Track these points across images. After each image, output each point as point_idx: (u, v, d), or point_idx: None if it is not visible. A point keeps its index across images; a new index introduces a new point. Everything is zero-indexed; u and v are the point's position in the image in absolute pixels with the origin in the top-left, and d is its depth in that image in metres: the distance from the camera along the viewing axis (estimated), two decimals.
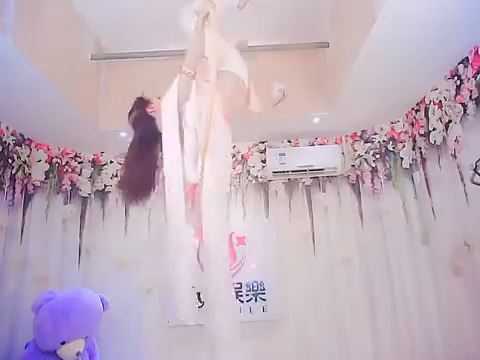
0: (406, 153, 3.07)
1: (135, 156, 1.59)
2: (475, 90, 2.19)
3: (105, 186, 3.36)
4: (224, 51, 1.65)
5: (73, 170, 3.30)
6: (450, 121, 2.45)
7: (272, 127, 3.10)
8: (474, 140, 2.23)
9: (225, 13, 1.63)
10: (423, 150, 2.84)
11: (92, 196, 3.33)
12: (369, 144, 3.25)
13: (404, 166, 3.07)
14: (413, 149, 3.01)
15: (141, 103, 1.64)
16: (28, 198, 3.01)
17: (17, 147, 2.87)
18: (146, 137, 1.57)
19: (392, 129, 3.17)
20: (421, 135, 2.85)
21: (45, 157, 3.15)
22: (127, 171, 1.61)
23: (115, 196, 3.33)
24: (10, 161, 2.79)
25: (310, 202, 3.30)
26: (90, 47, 2.82)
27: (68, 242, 3.14)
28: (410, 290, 2.87)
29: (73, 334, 2.31)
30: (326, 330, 2.97)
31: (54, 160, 3.21)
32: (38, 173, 3.09)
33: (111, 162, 3.40)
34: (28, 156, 3.03)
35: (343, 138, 3.38)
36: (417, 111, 2.89)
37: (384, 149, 3.19)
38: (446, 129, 2.51)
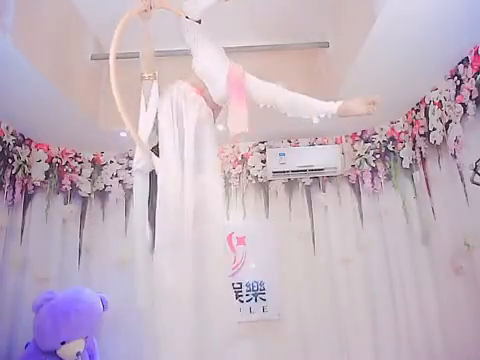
0: (406, 153, 3.08)
1: None
2: (475, 90, 2.19)
3: (105, 186, 3.36)
4: (208, 52, 1.66)
5: (73, 170, 3.30)
6: (450, 121, 2.45)
7: (272, 127, 3.10)
8: (474, 140, 2.23)
9: (214, 9, 1.64)
10: (423, 150, 2.84)
11: (92, 196, 3.33)
12: (369, 144, 3.25)
13: (404, 166, 3.08)
14: (413, 149, 3.01)
15: None
16: (28, 198, 3.01)
17: (17, 147, 2.87)
18: None
19: (392, 129, 3.17)
20: (421, 135, 2.85)
21: (45, 157, 3.15)
22: None
23: (115, 196, 3.34)
24: (10, 161, 2.79)
25: (310, 202, 3.30)
26: (90, 47, 2.82)
27: (68, 242, 3.14)
28: (410, 290, 2.87)
29: (73, 334, 2.31)
30: (326, 330, 2.97)
31: (54, 160, 3.21)
32: (38, 173, 3.10)
33: (111, 162, 3.40)
34: (28, 156, 3.03)
35: (343, 138, 3.38)
36: (417, 111, 2.89)
37: (384, 149, 3.19)
38: (446, 129, 2.51)
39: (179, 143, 1.50)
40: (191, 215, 1.44)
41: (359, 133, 3.31)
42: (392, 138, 3.16)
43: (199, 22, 1.68)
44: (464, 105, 2.30)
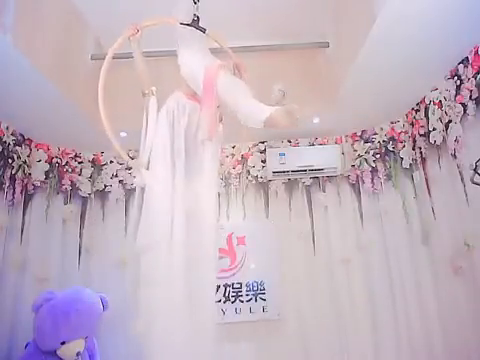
0: (406, 153, 3.07)
1: None
2: (475, 90, 2.19)
3: (105, 186, 3.36)
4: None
5: (73, 170, 3.30)
6: (450, 121, 2.45)
7: None
8: (474, 140, 2.23)
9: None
10: (423, 150, 2.84)
11: (92, 196, 3.32)
12: (369, 144, 3.25)
13: (404, 166, 3.07)
14: (413, 149, 3.01)
15: None
16: (28, 198, 3.01)
17: (17, 147, 2.87)
18: None
19: (392, 129, 3.17)
20: (421, 135, 2.85)
21: (45, 157, 3.15)
22: None
23: (115, 196, 3.34)
24: (10, 161, 2.79)
25: (310, 202, 3.29)
26: (90, 47, 2.82)
27: (68, 242, 3.14)
28: (410, 290, 2.87)
29: (73, 334, 2.31)
30: (326, 330, 2.96)
31: (54, 160, 3.21)
32: (38, 173, 3.10)
33: (111, 162, 3.40)
34: (28, 156, 3.03)
35: (343, 138, 3.38)
36: (417, 111, 2.89)
37: (384, 149, 3.19)
38: (446, 129, 2.51)
39: (171, 150, 1.54)
40: (181, 219, 1.47)
41: (359, 133, 3.31)
42: (392, 138, 3.16)
43: (197, 21, 1.70)
44: (464, 105, 2.30)
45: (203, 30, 1.77)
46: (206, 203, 1.57)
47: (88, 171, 3.36)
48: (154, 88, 1.71)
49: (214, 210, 1.64)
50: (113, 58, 2.99)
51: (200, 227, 1.53)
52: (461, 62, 2.31)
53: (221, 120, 1.76)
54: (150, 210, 1.50)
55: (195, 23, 1.77)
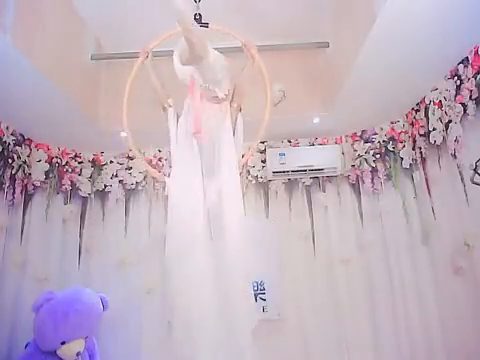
0: (406, 153, 3.07)
1: None
2: (475, 90, 2.19)
3: (105, 186, 3.36)
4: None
5: (73, 170, 3.30)
6: (450, 121, 2.45)
7: (272, 127, 3.09)
8: (474, 140, 2.23)
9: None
10: (423, 150, 2.84)
11: (92, 196, 3.32)
12: (369, 144, 3.25)
13: (404, 166, 3.07)
14: (413, 149, 3.01)
15: None
16: (28, 198, 3.01)
17: (17, 147, 2.87)
18: None
19: (392, 129, 3.17)
20: (421, 135, 2.85)
21: (45, 157, 3.15)
22: None
23: (115, 196, 3.34)
24: (10, 161, 2.79)
25: (310, 202, 3.29)
26: (90, 47, 2.82)
27: (68, 242, 3.14)
28: (410, 290, 2.87)
29: (73, 334, 2.31)
30: (326, 330, 2.96)
31: (54, 160, 3.21)
32: (38, 173, 3.10)
33: (111, 162, 3.40)
34: (28, 156, 3.03)
35: (343, 138, 3.38)
36: (417, 111, 2.89)
37: (384, 149, 3.19)
38: (446, 129, 2.51)
39: (187, 153, 1.56)
40: (204, 219, 1.48)
41: (359, 133, 3.31)
42: (392, 138, 3.16)
43: (200, 19, 1.71)
44: (464, 105, 2.30)
45: (206, 25, 1.78)
46: (229, 199, 1.57)
47: (88, 171, 3.36)
48: (171, 100, 1.76)
49: (238, 205, 1.61)
50: (113, 58, 3.01)
51: (227, 224, 1.52)
52: (461, 62, 2.31)
53: (240, 110, 1.79)
54: (175, 214, 1.50)
55: (198, 21, 1.77)
